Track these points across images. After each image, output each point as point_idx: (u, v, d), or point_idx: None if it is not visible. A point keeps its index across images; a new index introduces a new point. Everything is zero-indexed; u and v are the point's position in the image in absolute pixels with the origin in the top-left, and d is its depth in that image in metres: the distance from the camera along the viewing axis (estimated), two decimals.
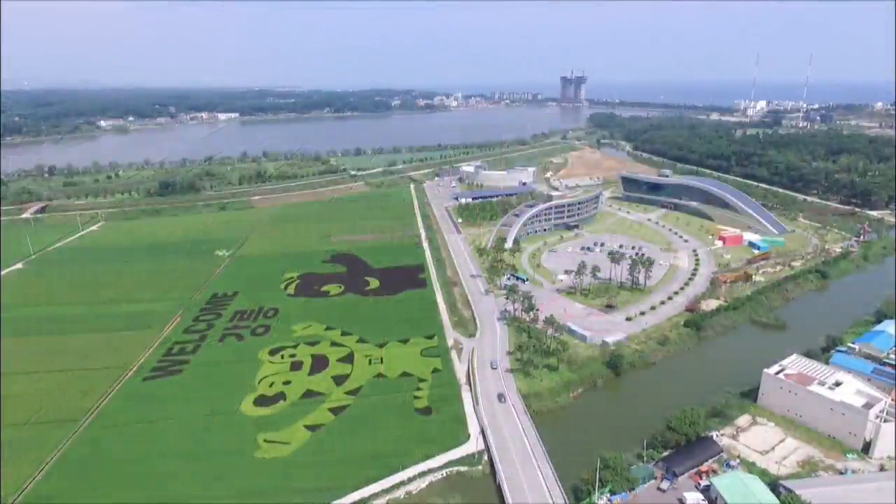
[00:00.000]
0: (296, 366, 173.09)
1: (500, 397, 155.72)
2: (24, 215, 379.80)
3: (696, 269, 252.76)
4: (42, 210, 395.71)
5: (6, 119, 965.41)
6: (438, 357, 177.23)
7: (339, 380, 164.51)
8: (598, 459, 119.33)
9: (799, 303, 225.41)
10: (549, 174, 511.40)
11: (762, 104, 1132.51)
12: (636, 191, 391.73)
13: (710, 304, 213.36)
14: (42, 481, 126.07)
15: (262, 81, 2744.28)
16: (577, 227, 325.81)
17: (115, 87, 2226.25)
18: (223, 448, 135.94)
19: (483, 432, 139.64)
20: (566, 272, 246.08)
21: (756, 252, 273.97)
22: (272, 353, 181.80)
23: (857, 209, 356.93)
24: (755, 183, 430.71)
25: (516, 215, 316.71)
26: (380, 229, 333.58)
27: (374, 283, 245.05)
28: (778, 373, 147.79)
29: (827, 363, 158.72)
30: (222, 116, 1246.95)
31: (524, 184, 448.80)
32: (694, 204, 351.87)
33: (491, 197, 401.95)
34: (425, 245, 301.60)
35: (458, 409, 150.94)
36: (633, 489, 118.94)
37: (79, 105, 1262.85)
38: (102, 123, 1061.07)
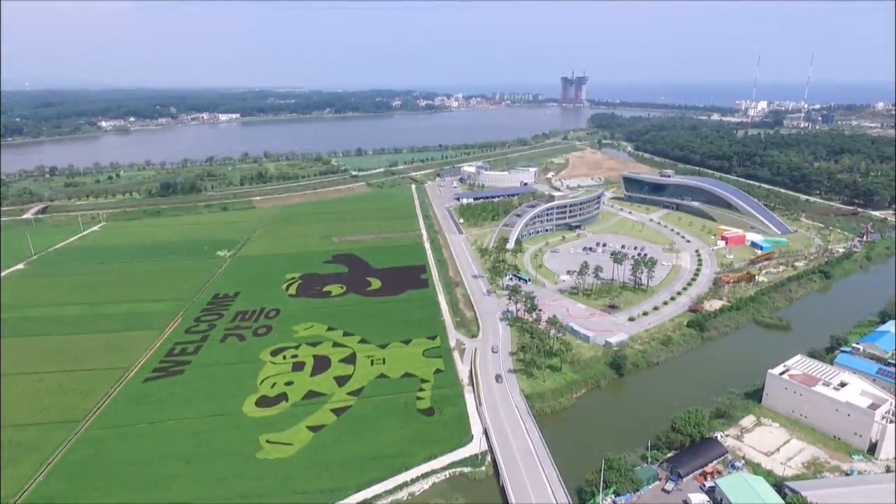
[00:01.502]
0: (298, 366, 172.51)
1: (498, 378, 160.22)
2: (25, 216, 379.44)
3: (698, 270, 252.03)
4: (43, 210, 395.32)
5: (7, 119, 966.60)
6: (440, 357, 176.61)
7: (341, 380, 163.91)
8: (602, 460, 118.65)
9: (802, 303, 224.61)
10: (550, 174, 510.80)
11: (763, 104, 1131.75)
12: (638, 191, 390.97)
13: (714, 305, 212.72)
14: (43, 482, 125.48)
15: (263, 82, 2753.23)
16: (579, 227, 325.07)
17: (116, 87, 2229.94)
18: (225, 449, 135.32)
19: (486, 433, 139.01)
20: (568, 272, 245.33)
21: (759, 252, 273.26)
22: (274, 353, 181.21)
23: (859, 209, 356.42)
24: (757, 183, 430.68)
25: (518, 215, 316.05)
26: (381, 230, 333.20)
27: (375, 283, 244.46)
28: (782, 373, 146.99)
29: (831, 364, 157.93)
30: (223, 117, 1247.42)
31: (526, 184, 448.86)
32: (696, 204, 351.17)
33: (492, 197, 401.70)
34: (427, 245, 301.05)
35: (461, 409, 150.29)
36: (638, 490, 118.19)
37: (80, 105, 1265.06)
38: (103, 124, 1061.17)
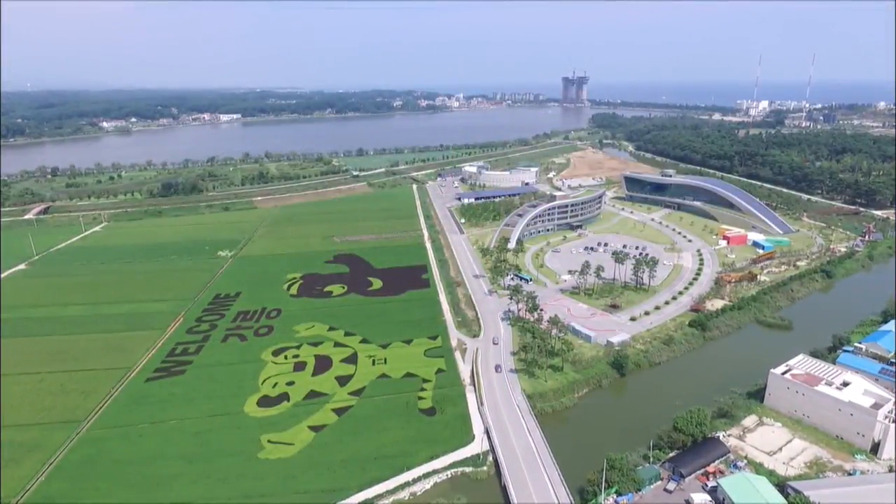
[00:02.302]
0: (299, 366, 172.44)
1: (497, 368, 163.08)
2: (27, 216, 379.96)
3: (700, 269, 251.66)
4: (45, 211, 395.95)
5: (9, 120, 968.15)
6: (442, 357, 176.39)
7: (342, 380, 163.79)
8: (603, 460, 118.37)
9: (804, 303, 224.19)
10: (551, 174, 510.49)
11: (764, 104, 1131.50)
12: (639, 191, 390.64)
13: (715, 304, 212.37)
14: (44, 482, 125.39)
15: (264, 82, 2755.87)
16: (580, 227, 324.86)
17: (117, 88, 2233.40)
18: (226, 449, 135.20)
19: (487, 433, 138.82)
20: (570, 272, 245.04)
21: (760, 252, 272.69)
22: (275, 353, 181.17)
23: (861, 209, 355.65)
24: (759, 183, 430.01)
25: (519, 215, 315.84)
26: (382, 230, 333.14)
27: (377, 283, 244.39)
28: (784, 373, 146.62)
29: (834, 363, 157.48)
30: (224, 117, 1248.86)
31: (527, 184, 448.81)
32: (697, 204, 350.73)
33: (494, 197, 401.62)
34: (428, 245, 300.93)
35: (463, 409, 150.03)
36: (640, 490, 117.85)
37: (81, 106, 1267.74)
38: (105, 124, 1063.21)
